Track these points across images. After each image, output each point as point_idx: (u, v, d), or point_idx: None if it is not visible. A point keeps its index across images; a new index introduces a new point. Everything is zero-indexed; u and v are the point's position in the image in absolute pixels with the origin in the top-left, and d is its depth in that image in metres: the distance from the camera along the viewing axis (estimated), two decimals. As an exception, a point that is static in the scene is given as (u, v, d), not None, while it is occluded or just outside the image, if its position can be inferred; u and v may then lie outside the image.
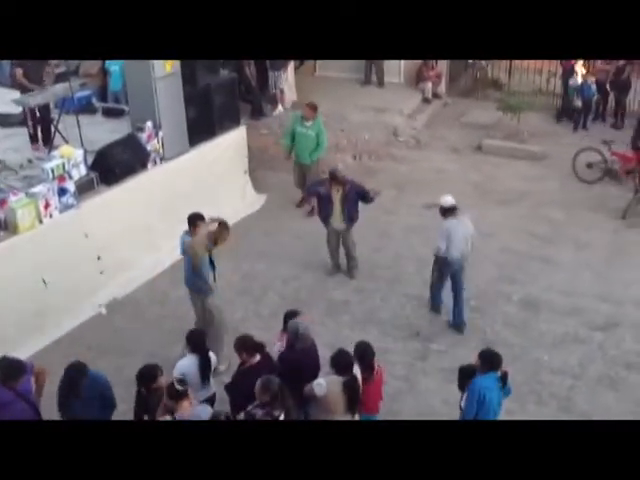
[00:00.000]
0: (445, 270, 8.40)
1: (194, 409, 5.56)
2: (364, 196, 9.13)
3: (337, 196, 9.10)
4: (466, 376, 5.96)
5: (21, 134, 9.84)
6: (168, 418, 5.48)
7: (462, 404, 5.98)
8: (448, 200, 8.21)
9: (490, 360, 5.84)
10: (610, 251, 10.10)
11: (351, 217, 9.23)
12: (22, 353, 7.08)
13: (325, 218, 9.30)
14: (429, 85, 15.55)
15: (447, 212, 8.16)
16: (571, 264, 9.79)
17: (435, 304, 8.78)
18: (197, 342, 6.39)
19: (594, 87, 14.11)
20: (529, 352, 8.05)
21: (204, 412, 5.59)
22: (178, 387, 5.51)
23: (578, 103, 14.17)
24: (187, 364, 6.28)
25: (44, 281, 7.94)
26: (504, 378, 5.89)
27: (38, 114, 9.51)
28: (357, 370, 6.06)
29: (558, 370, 7.81)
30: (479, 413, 5.75)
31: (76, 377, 5.77)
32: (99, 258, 8.55)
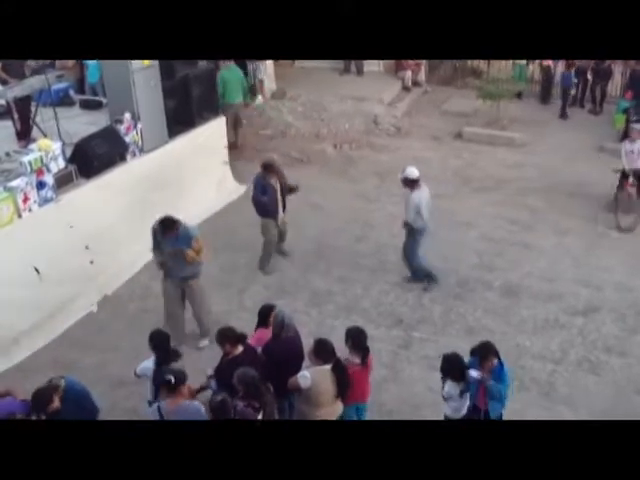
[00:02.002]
0: (420, 238, 8.73)
1: (182, 404, 5.54)
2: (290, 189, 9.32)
3: (276, 186, 9.14)
4: (450, 363, 5.97)
5: (-2, 127, 9.73)
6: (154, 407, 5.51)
7: (445, 393, 6.03)
8: (414, 172, 8.55)
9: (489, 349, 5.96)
10: (590, 237, 10.20)
11: (285, 205, 9.33)
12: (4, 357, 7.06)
13: (273, 212, 9.18)
14: (409, 73, 15.58)
15: (414, 183, 8.52)
16: (551, 250, 9.88)
17: (425, 273, 8.95)
18: (158, 342, 6.24)
19: (573, 76, 14.22)
20: (510, 338, 8.12)
21: (191, 407, 5.57)
22: (169, 378, 5.50)
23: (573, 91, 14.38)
24: (149, 365, 6.17)
25: (37, 270, 7.89)
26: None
27: (15, 107, 9.38)
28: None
29: (539, 355, 7.89)
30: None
31: (46, 399, 5.44)
32: (87, 247, 8.50)
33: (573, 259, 9.66)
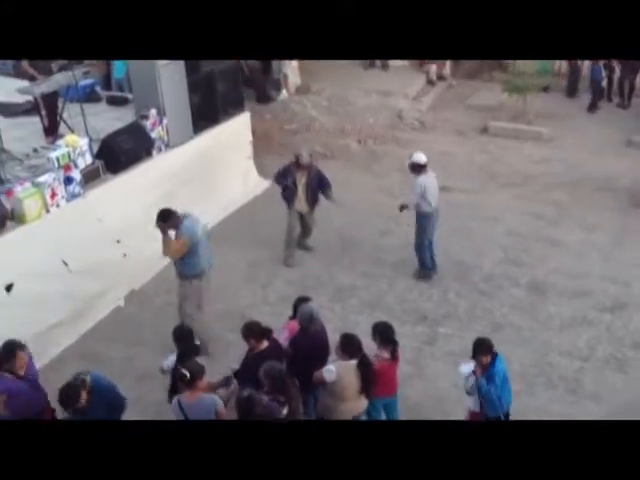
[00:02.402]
0: (427, 224, 8.79)
1: (200, 397, 5.56)
2: (324, 186, 9.34)
3: (301, 181, 9.23)
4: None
5: (26, 123, 9.81)
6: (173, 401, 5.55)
7: (467, 388, 6.02)
8: (422, 157, 8.67)
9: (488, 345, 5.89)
10: (617, 232, 10.07)
11: (314, 201, 9.41)
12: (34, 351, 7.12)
13: (289, 200, 9.37)
14: (433, 67, 15.49)
15: (421, 168, 8.66)
16: (578, 246, 9.77)
17: (429, 264, 9.01)
18: (182, 337, 6.29)
19: (603, 70, 14.01)
20: (537, 335, 8.05)
21: (208, 399, 5.58)
22: (184, 372, 5.53)
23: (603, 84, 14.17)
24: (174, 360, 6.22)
25: (65, 263, 7.97)
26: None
27: (44, 104, 9.47)
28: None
29: (566, 352, 7.81)
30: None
31: (74, 395, 5.43)
32: (118, 241, 8.60)
33: (600, 255, 9.54)
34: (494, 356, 5.89)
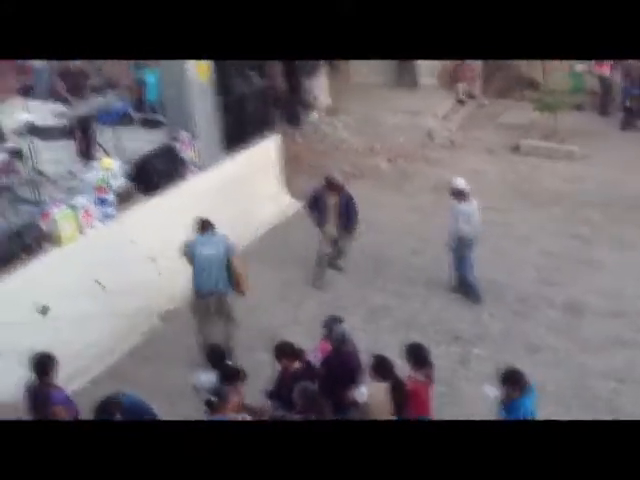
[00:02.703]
0: (468, 250, 8.70)
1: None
2: (350, 212, 9.14)
3: (332, 204, 9.11)
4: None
5: (61, 146, 9.98)
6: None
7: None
8: (463, 183, 8.58)
9: (516, 379, 5.62)
10: (654, 251, 9.90)
11: (344, 226, 9.23)
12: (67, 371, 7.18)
13: (320, 224, 9.26)
14: (463, 86, 15.46)
15: (464, 195, 8.54)
16: (613, 266, 9.61)
17: (474, 288, 8.89)
18: (215, 356, 6.38)
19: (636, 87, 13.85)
20: (573, 356, 7.92)
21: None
22: (210, 399, 5.53)
23: (627, 103, 13.96)
24: (208, 380, 6.22)
25: (99, 283, 8.04)
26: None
27: (78, 126, 9.64)
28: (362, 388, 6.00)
29: (603, 374, 7.66)
30: None
31: (108, 416, 5.47)
32: (153, 260, 8.65)
33: (635, 274, 9.37)
34: (523, 389, 5.60)
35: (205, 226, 7.69)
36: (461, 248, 8.77)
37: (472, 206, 8.61)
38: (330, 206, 9.13)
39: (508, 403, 5.64)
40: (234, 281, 7.68)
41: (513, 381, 5.60)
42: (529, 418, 5.58)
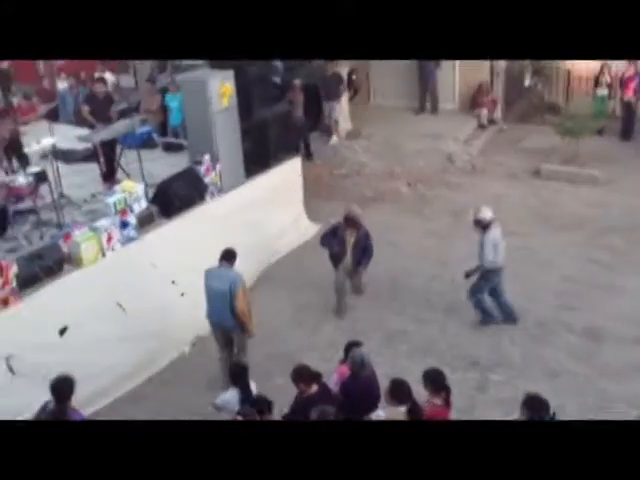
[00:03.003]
0: (495, 279, 8.65)
1: None
2: (366, 249, 9.12)
3: (350, 239, 9.08)
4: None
5: (84, 170, 10.16)
6: None
7: None
8: (488, 213, 8.45)
9: (535, 406, 5.43)
10: (677, 278, 9.77)
11: (359, 262, 9.18)
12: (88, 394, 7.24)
13: (337, 261, 9.20)
14: (484, 111, 15.49)
15: (489, 224, 8.42)
16: (634, 291, 9.49)
17: (491, 317, 8.84)
18: (237, 375, 6.44)
19: None
20: (594, 382, 7.82)
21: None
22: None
23: None
24: (229, 397, 6.30)
25: (121, 306, 8.08)
26: None
27: (103, 150, 9.81)
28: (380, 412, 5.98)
29: (624, 400, 7.54)
30: None
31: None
32: (174, 282, 8.69)
33: (658, 301, 9.26)
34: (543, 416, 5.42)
35: (225, 256, 7.65)
36: (492, 276, 8.66)
37: (496, 232, 8.48)
38: (348, 242, 9.11)
39: None
40: (239, 321, 7.61)
41: (535, 407, 5.47)
42: None
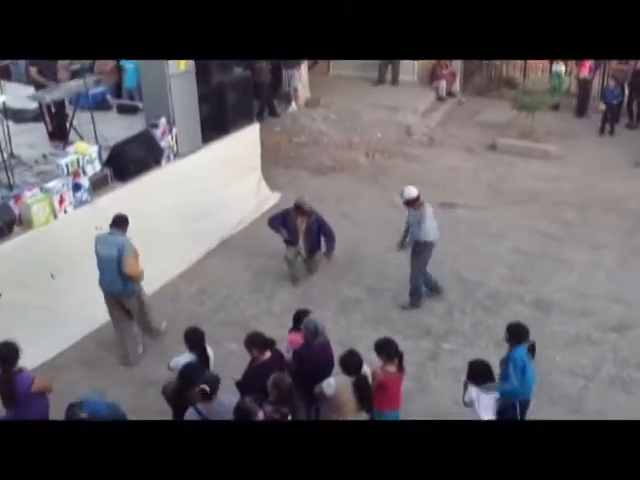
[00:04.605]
0: (428, 254, 8.72)
1: (217, 400, 5.54)
2: (326, 234, 9.25)
3: (301, 227, 9.23)
4: (476, 371, 6.17)
5: (35, 130, 9.89)
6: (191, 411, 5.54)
7: (466, 399, 6.18)
8: (413, 191, 8.57)
9: (518, 332, 6.23)
10: (624, 252, 10.04)
11: (312, 249, 9.33)
12: (37, 354, 7.13)
13: (289, 244, 9.32)
14: (443, 83, 15.54)
15: (416, 202, 8.54)
16: (584, 265, 9.74)
17: (420, 296, 8.87)
18: (195, 340, 6.42)
19: (618, 90, 13.93)
20: (541, 353, 7.92)
21: (227, 401, 5.57)
22: (204, 388, 5.52)
23: (602, 106, 14.07)
24: (185, 361, 6.28)
25: (52, 275, 7.93)
26: (532, 349, 6.31)
27: (53, 110, 9.54)
28: (367, 369, 6.08)
29: (570, 371, 7.77)
30: (522, 384, 6.12)
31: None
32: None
33: (607, 274, 9.51)
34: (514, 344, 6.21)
35: (116, 222, 7.46)
36: (428, 252, 8.74)
37: (425, 209, 8.53)
38: (299, 228, 9.25)
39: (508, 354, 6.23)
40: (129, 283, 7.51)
41: (527, 331, 6.28)
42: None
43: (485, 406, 6.10)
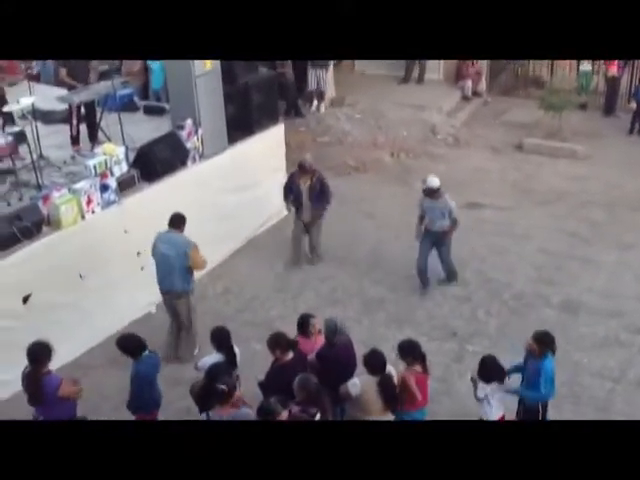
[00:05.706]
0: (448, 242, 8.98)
1: (231, 412, 5.52)
2: (324, 193, 9.39)
3: (305, 187, 9.35)
4: (487, 366, 6.21)
5: (64, 131, 9.98)
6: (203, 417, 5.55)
7: (479, 394, 6.24)
8: (436, 181, 8.75)
9: (547, 340, 6.17)
10: (653, 253, 9.90)
11: (317, 206, 9.45)
12: (64, 353, 7.21)
13: (296, 209, 9.54)
14: (469, 83, 15.43)
15: (435, 193, 8.74)
16: (612, 265, 9.62)
17: (456, 272, 9.15)
18: (221, 339, 6.46)
19: None
20: (568, 355, 7.93)
21: (240, 414, 5.53)
22: (222, 387, 5.53)
23: (633, 105, 13.87)
24: (212, 361, 6.32)
25: (80, 276, 8.03)
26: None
27: (83, 111, 9.64)
28: (392, 369, 6.08)
29: (597, 373, 7.69)
30: (549, 392, 6.18)
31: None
32: (139, 254, 8.62)
33: (635, 275, 9.39)
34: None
35: (173, 221, 7.63)
36: (445, 240, 8.94)
37: (448, 202, 8.74)
38: (303, 189, 9.38)
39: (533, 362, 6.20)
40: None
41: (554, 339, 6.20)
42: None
43: (495, 403, 6.19)
